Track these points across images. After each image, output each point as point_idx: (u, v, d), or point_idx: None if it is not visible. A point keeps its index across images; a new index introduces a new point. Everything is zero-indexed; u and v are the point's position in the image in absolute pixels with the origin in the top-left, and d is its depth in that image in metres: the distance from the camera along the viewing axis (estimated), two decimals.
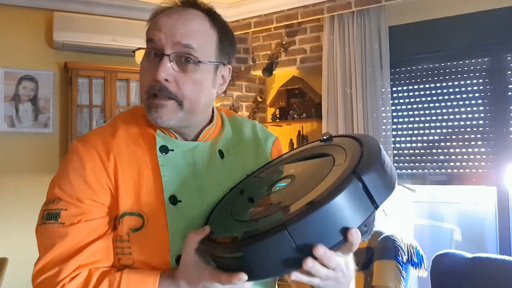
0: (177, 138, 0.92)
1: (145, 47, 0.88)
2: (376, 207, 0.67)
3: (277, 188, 0.78)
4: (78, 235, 0.81)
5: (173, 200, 0.85)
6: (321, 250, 0.63)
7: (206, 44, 0.88)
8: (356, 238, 0.65)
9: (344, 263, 0.73)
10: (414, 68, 3.05)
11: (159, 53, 0.85)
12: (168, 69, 0.84)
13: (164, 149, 0.89)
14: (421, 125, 3.00)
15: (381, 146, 0.75)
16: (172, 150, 0.89)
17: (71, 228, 0.81)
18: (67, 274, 0.79)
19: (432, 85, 2.97)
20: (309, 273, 0.66)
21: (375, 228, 2.65)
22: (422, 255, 2.49)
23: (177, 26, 0.85)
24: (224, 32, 0.92)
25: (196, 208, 0.86)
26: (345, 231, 0.64)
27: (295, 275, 0.66)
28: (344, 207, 0.64)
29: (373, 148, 0.73)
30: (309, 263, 0.63)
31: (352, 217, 0.65)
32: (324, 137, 0.87)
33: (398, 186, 2.97)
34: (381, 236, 2.53)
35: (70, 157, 0.87)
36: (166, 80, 0.84)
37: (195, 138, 0.94)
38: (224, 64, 0.93)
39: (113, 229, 0.85)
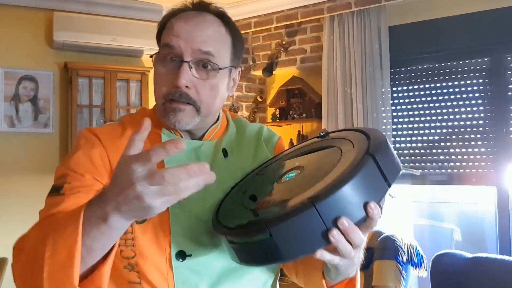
0: (182, 137, 0.94)
1: (161, 51, 0.89)
2: (389, 185, 0.71)
3: (287, 179, 0.79)
4: (74, 202, 0.79)
5: None
6: (345, 222, 0.65)
7: (223, 50, 0.90)
8: (376, 212, 0.68)
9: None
10: (414, 68, 3.05)
11: (178, 60, 0.86)
12: (188, 76, 0.85)
13: None
14: (421, 125, 3.00)
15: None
16: None
17: (69, 196, 0.81)
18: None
19: (432, 85, 2.97)
20: (333, 250, 0.69)
21: (376, 228, 2.64)
22: (422, 255, 2.49)
23: (196, 32, 0.86)
24: (237, 35, 0.95)
25: (198, 206, 0.87)
26: (366, 206, 0.68)
27: (320, 252, 0.68)
28: (365, 183, 0.67)
29: (378, 134, 0.77)
30: (336, 234, 0.65)
31: (372, 194, 0.68)
32: (321, 134, 0.89)
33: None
34: (381, 236, 2.53)
35: (78, 140, 0.90)
36: (186, 86, 0.86)
37: (201, 137, 0.96)
38: (235, 67, 0.96)
39: None
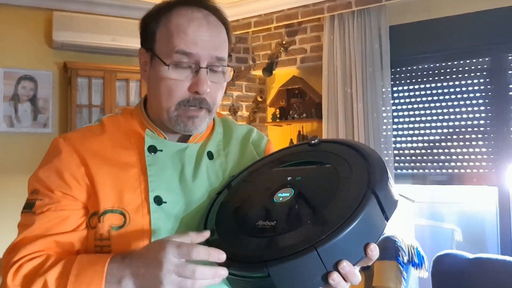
0: (165, 138, 0.91)
1: (176, 58, 0.85)
2: (387, 220, 0.69)
3: (281, 199, 0.76)
4: (44, 224, 0.82)
5: (158, 200, 0.84)
6: (347, 266, 0.65)
7: (227, 53, 0.91)
8: (376, 254, 0.68)
9: None
10: (414, 68, 3.04)
11: (196, 66, 0.85)
12: (207, 82, 0.86)
13: (153, 149, 0.88)
14: (421, 125, 2.99)
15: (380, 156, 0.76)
16: (161, 150, 0.89)
17: (39, 216, 0.82)
18: (26, 254, 0.79)
19: (433, 85, 2.96)
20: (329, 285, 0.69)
21: None
22: (423, 256, 2.49)
23: (212, 38, 0.87)
24: (230, 32, 0.94)
25: (181, 210, 0.86)
26: (366, 247, 0.67)
27: None
28: (366, 224, 0.66)
29: (378, 160, 0.74)
30: (336, 278, 0.66)
31: (372, 234, 0.67)
32: (313, 142, 0.85)
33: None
34: (382, 237, 2.53)
35: (49, 151, 0.89)
36: (207, 92, 0.87)
37: (186, 139, 0.93)
38: None
39: (91, 228, 0.84)
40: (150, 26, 0.90)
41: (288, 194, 0.76)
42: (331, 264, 0.64)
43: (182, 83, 0.85)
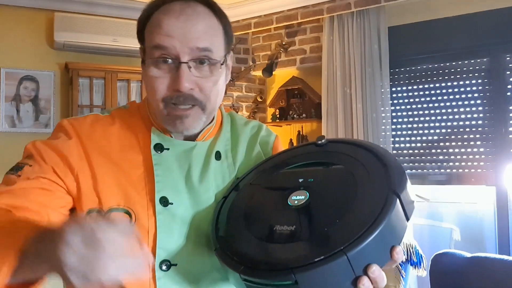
0: (172, 137, 0.87)
1: (153, 54, 0.80)
2: (408, 221, 0.68)
3: (296, 203, 0.72)
4: (22, 187, 0.77)
5: (164, 201, 0.81)
6: (376, 270, 0.63)
7: (218, 42, 0.83)
8: (401, 256, 0.66)
9: None
10: (413, 68, 3.06)
11: (175, 61, 0.79)
12: (189, 77, 0.79)
13: (159, 148, 0.85)
14: (420, 125, 3.01)
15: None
16: (168, 149, 0.85)
17: (21, 181, 0.77)
18: None
19: (432, 85, 2.98)
20: None
21: None
22: (421, 255, 2.50)
23: (190, 29, 0.79)
24: (226, 21, 0.87)
25: (187, 211, 0.83)
26: (391, 250, 0.65)
27: None
28: (392, 227, 0.64)
29: (394, 161, 0.71)
30: (366, 282, 0.63)
31: (396, 236, 0.66)
32: (320, 142, 0.82)
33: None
34: None
35: (56, 131, 0.86)
36: (191, 88, 0.80)
37: (194, 137, 0.89)
38: (228, 53, 0.88)
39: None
40: (141, 25, 0.86)
41: (303, 197, 0.72)
42: (360, 269, 0.62)
43: (163, 80, 0.80)
